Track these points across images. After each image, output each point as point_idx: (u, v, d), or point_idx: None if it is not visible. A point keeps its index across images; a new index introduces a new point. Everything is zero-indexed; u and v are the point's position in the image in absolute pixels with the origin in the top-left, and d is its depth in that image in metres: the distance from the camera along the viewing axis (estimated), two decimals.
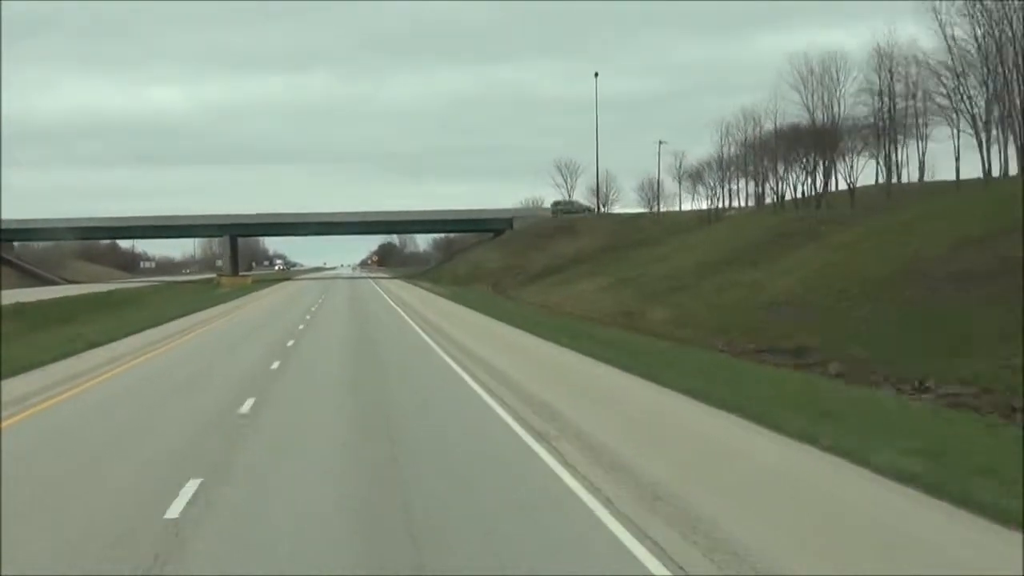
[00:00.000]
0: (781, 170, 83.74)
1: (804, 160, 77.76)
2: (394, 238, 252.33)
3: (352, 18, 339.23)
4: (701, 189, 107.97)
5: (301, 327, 40.62)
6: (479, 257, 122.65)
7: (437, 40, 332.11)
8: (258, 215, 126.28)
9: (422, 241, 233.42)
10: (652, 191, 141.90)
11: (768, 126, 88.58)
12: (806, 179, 79.68)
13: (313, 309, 55.22)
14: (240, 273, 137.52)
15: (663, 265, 78.13)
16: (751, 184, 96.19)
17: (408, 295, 78.38)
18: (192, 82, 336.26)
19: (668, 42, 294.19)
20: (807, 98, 79.44)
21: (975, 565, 8.79)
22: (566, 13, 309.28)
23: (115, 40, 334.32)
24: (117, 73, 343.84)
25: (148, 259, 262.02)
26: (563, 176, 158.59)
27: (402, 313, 50.72)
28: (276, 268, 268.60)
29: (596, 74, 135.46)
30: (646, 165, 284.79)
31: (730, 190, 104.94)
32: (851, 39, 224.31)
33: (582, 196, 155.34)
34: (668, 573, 8.51)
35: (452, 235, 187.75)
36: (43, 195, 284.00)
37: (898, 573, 8.48)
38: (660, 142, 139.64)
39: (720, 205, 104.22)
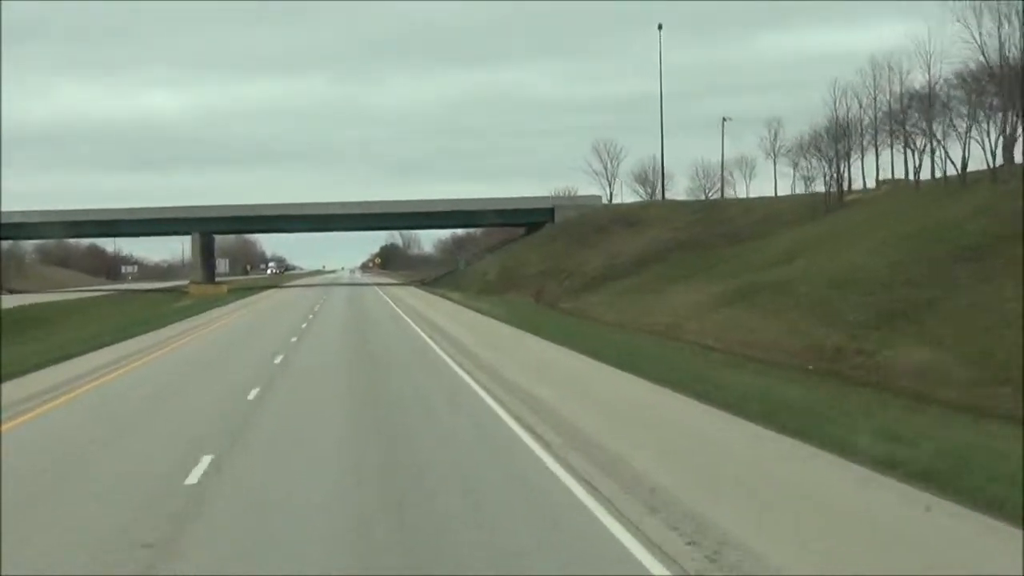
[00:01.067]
0: (962, 129, 58.60)
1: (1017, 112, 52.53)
2: (397, 239, 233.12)
3: (350, 20, 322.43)
4: (815, 164, 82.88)
5: (222, 447, 15.60)
6: (512, 258, 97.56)
7: (435, 41, 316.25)
8: (233, 207, 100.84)
9: (427, 242, 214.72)
10: (708, 177, 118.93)
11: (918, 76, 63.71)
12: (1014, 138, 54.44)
13: (278, 361, 28.85)
14: (217, 279, 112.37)
15: (804, 267, 53.09)
16: (904, 153, 70.87)
17: (443, 318, 51.49)
18: (189, 85, 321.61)
19: (668, 43, 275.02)
20: (986, 33, 54.27)
21: None
22: (566, 13, 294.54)
23: (110, 43, 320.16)
24: (112, 77, 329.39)
25: (131, 263, 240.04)
26: (602, 161, 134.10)
27: (468, 377, 24.67)
28: (269, 272, 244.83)
29: (660, 26, 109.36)
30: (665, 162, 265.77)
31: (849, 167, 79.92)
32: (851, 38, 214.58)
33: (626, 183, 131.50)
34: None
35: (464, 234, 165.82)
36: (37, 199, 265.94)
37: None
38: (724, 119, 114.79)
39: (839, 185, 79.16)
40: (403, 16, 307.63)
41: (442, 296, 77.07)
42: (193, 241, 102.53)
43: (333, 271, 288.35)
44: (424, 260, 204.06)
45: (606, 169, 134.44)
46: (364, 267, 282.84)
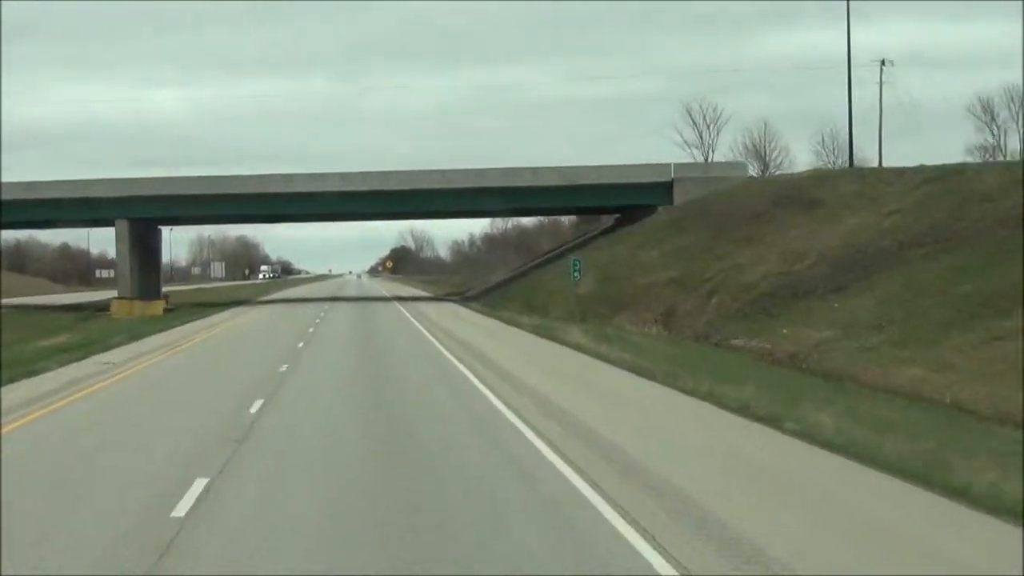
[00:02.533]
0: None
1: None
2: (409, 240, 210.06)
3: (350, 20, 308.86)
4: None
5: None
6: (614, 260, 62.38)
7: (436, 41, 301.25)
8: (177, 180, 65.70)
9: (441, 245, 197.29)
10: (836, 145, 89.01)
11: None
12: None
13: None
14: (164, 291, 77.31)
15: None
16: None
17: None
18: (188, 85, 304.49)
19: (668, 42, 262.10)
20: None
21: None
22: (566, 13, 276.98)
23: (110, 43, 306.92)
24: (111, 76, 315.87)
25: (107, 266, 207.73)
26: (696, 127, 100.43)
27: None
28: (261, 277, 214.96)
29: None
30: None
31: None
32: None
33: (723, 156, 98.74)
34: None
35: (498, 232, 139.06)
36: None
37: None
38: (883, 62, 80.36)
39: None
40: (404, 15, 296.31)
41: (550, 338, 39.89)
42: (119, 232, 66.74)
43: (340, 275, 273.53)
44: (438, 264, 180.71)
45: (702, 138, 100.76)
46: (373, 271, 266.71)
